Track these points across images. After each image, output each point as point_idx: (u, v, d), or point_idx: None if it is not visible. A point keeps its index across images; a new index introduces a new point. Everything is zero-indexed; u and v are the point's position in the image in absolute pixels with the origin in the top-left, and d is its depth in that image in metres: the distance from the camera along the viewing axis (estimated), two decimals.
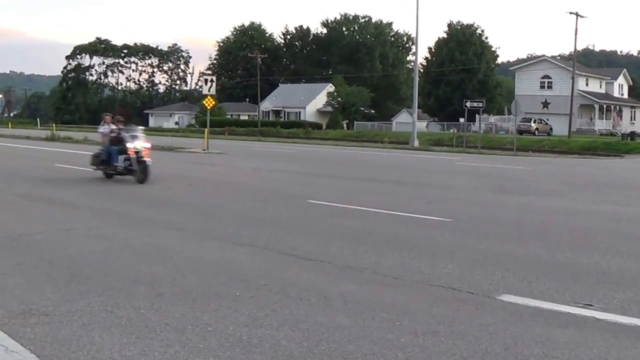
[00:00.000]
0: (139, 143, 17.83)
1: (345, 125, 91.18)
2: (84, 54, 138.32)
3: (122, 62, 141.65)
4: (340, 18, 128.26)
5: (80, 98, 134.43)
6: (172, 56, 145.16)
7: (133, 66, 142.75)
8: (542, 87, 78.62)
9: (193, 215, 12.38)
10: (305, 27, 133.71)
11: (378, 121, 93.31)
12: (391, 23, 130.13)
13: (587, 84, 78.66)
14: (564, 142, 51.65)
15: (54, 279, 7.14)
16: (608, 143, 50.23)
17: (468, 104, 50.83)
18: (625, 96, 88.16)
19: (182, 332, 5.44)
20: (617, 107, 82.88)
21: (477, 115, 59.52)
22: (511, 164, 30.63)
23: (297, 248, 9.05)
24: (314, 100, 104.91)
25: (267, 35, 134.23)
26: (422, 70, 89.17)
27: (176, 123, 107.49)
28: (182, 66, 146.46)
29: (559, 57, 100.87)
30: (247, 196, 15.89)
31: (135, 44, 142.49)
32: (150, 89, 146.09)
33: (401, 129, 79.20)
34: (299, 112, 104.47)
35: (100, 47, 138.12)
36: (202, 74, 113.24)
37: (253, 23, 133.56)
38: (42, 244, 9.23)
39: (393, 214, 12.70)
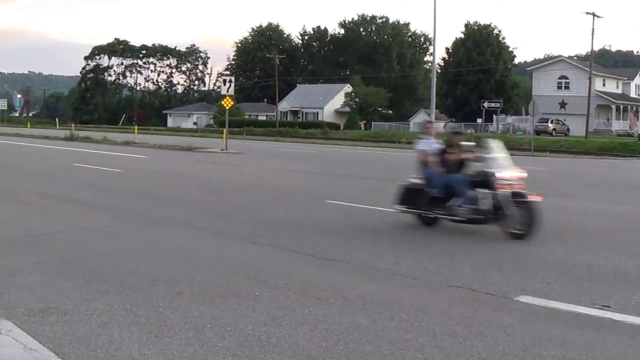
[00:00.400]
0: (509, 172, 10.86)
1: (362, 125, 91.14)
2: (102, 55, 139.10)
3: (140, 62, 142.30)
4: (358, 19, 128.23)
5: (99, 98, 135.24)
6: (191, 57, 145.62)
7: (151, 67, 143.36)
8: (559, 87, 78.29)
9: (212, 214, 12.42)
10: (322, 27, 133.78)
11: (395, 121, 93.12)
12: (408, 23, 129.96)
13: (604, 85, 78.25)
14: (581, 142, 51.36)
15: (73, 278, 7.17)
16: (625, 144, 49.87)
17: (485, 104, 50.69)
18: None
19: (200, 331, 5.45)
20: (634, 108, 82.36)
21: (494, 116, 59.38)
22: (529, 165, 30.31)
23: (315, 248, 9.05)
24: (332, 100, 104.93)
25: (285, 35, 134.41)
26: (439, 71, 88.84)
27: (194, 123, 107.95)
28: (200, 67, 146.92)
29: (575, 58, 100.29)
30: (265, 196, 15.91)
31: (153, 44, 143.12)
32: (169, 90, 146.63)
33: (419, 129, 78.89)
34: (317, 113, 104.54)
35: (119, 48, 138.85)
36: (220, 74, 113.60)
37: (271, 24, 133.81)
38: (62, 242, 9.29)
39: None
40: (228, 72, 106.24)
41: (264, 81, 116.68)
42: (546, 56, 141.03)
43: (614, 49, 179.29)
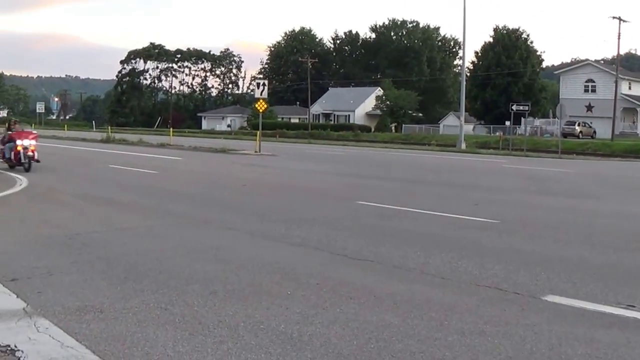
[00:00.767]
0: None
1: (393, 128, 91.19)
2: (138, 59, 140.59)
3: (175, 66, 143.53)
4: (389, 23, 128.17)
5: (135, 101, 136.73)
6: (225, 60, 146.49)
7: (186, 70, 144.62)
8: (586, 90, 78.14)
9: (246, 215, 12.50)
10: (354, 32, 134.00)
11: (425, 124, 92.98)
12: (438, 28, 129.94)
13: (630, 88, 77.81)
14: (607, 145, 50.99)
15: (109, 277, 7.26)
16: None
17: (514, 107, 50.62)
18: None
19: (234, 329, 5.50)
20: None
21: (522, 119, 59.18)
22: (556, 167, 30.28)
23: (347, 248, 9.08)
24: (363, 103, 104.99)
25: (317, 40, 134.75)
26: (469, 74, 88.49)
27: (228, 126, 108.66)
28: (234, 70, 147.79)
29: (602, 61, 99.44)
30: (298, 197, 15.99)
31: (188, 48, 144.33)
32: (203, 93, 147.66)
33: (448, 131, 78.72)
34: (348, 115, 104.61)
35: (154, 52, 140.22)
36: (253, 78, 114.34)
37: (303, 28, 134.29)
38: (98, 242, 9.40)
39: (441, 216, 12.67)
40: (261, 76, 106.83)
41: (297, 84, 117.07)
42: (573, 60, 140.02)
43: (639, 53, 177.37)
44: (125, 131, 73.78)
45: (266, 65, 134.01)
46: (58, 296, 6.42)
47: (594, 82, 77.60)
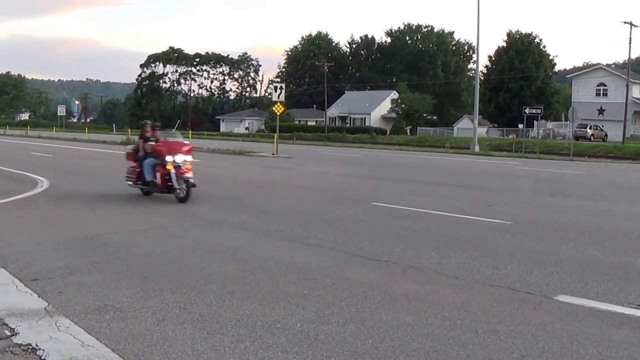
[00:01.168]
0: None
1: (408, 130, 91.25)
2: (157, 63, 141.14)
3: (194, 70, 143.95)
4: (404, 28, 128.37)
5: (154, 104, 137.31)
6: (243, 64, 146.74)
7: (205, 74, 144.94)
8: (597, 94, 78.31)
9: (263, 216, 12.58)
10: (370, 36, 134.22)
11: (440, 127, 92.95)
12: (453, 32, 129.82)
13: None
14: (618, 147, 50.88)
15: (129, 277, 7.35)
16: None
17: (527, 110, 50.83)
18: None
19: (251, 328, 5.57)
20: None
21: (535, 122, 59.19)
22: (568, 169, 30.16)
23: (362, 249, 9.15)
24: (379, 106, 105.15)
25: (334, 44, 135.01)
26: (482, 78, 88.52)
27: (246, 128, 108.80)
28: (252, 74, 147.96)
29: (613, 65, 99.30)
30: (314, 199, 16.05)
31: (206, 52, 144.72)
32: (222, 96, 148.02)
33: (462, 134, 78.64)
34: (364, 118, 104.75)
35: (173, 56, 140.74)
36: (271, 81, 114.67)
37: (320, 32, 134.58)
38: (118, 243, 9.50)
39: (455, 217, 12.71)
40: (279, 79, 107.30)
41: (313, 88, 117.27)
42: (585, 64, 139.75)
43: None
44: None
45: (283, 69, 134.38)
46: (78, 296, 6.51)
47: (605, 85, 77.78)
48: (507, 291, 6.96)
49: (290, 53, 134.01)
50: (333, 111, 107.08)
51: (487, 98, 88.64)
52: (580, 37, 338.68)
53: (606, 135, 68.40)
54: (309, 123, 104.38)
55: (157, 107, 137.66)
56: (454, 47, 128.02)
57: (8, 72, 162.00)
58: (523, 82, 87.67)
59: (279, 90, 38.37)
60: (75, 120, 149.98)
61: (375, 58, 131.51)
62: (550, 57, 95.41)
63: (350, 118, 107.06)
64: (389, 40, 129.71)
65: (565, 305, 6.45)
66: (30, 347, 5.05)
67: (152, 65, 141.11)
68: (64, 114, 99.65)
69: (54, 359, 4.86)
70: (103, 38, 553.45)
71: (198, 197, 15.69)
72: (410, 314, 6.04)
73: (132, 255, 8.63)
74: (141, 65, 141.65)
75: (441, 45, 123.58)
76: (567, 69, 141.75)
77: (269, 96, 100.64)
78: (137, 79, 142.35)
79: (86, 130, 73.58)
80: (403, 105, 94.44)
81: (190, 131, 61.90)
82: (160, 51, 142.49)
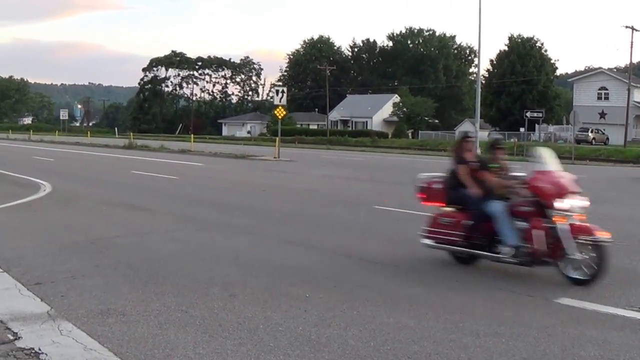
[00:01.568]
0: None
1: (410, 134, 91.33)
2: (159, 66, 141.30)
3: (196, 74, 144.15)
4: (406, 31, 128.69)
5: (157, 108, 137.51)
6: (245, 68, 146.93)
7: (207, 78, 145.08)
8: (599, 98, 78.63)
9: (265, 220, 12.60)
10: (371, 40, 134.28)
11: (442, 130, 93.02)
12: (454, 36, 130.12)
13: None
14: (619, 151, 51.00)
15: (131, 280, 7.37)
16: None
17: (528, 114, 51.02)
18: None
19: (253, 331, 5.59)
20: None
21: (536, 125, 59.49)
22: (570, 172, 30.10)
23: (364, 252, 9.18)
24: (380, 110, 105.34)
25: (335, 48, 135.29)
26: (484, 82, 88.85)
27: (248, 132, 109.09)
28: (254, 78, 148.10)
29: (615, 70, 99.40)
30: (316, 202, 16.06)
31: (208, 56, 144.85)
32: (224, 100, 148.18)
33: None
34: (366, 122, 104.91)
35: (176, 60, 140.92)
36: (273, 85, 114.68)
37: (322, 36, 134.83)
38: (120, 247, 9.53)
39: None
40: (280, 83, 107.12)
41: (315, 91, 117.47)
42: (587, 68, 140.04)
43: None
44: (147, 137, 74.21)
45: (285, 73, 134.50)
46: (81, 299, 6.53)
47: (606, 89, 78.19)
48: (509, 294, 6.98)
49: (292, 57, 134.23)
50: (335, 115, 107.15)
51: (489, 102, 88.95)
52: (581, 41, 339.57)
53: (608, 138, 68.67)
54: (310, 127, 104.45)
55: (160, 110, 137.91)
56: (455, 51, 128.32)
57: (11, 76, 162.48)
58: (524, 85, 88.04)
59: (280, 94, 38.41)
60: (77, 124, 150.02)
61: (377, 62, 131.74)
62: (552, 61, 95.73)
63: (352, 122, 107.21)
64: (390, 44, 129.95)
65: (567, 308, 6.48)
66: (33, 351, 5.06)
67: (155, 69, 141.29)
68: (67, 117, 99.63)
69: None
70: (106, 42, 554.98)
71: (197, 201, 15.74)
72: (411, 316, 6.06)
73: (133, 259, 8.63)
74: (143, 69, 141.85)
75: (443, 49, 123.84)
76: (569, 72, 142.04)
77: (271, 100, 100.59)
78: (139, 83, 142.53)
79: (88, 134, 73.60)
80: (405, 109, 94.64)
81: (192, 135, 61.88)
82: (162, 55, 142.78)
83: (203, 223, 12.16)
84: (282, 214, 13.55)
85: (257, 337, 5.45)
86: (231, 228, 11.57)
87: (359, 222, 12.45)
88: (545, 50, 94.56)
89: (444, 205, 8.88)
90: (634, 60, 69.33)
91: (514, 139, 61.17)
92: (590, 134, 66.72)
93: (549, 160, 8.66)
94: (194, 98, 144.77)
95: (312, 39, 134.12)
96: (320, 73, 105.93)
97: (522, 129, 59.79)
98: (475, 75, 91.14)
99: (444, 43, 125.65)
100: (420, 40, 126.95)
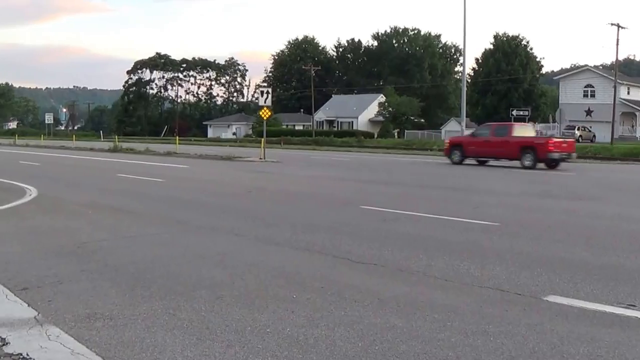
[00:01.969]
0: None
1: (396, 134, 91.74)
2: (144, 69, 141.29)
3: (181, 76, 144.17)
4: (391, 31, 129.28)
5: (142, 111, 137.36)
6: (229, 69, 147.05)
7: (192, 80, 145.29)
8: (585, 95, 79.35)
9: (252, 221, 12.58)
10: (356, 40, 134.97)
11: (427, 130, 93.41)
12: (439, 35, 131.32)
13: (628, 93, 79.05)
14: (606, 148, 51.31)
15: (118, 284, 7.35)
16: None
17: (514, 112, 51.40)
18: None
19: (241, 333, 5.59)
20: None
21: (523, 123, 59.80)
22: (556, 170, 30.29)
23: (351, 252, 9.18)
24: (366, 110, 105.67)
25: (320, 48, 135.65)
26: (469, 81, 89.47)
27: (234, 133, 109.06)
28: (238, 79, 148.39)
29: (601, 67, 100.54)
30: (303, 203, 16.08)
31: (193, 58, 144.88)
32: (209, 101, 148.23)
33: (450, 137, 79.11)
34: (352, 122, 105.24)
35: (160, 62, 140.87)
36: (258, 86, 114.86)
37: (306, 36, 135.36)
38: (107, 250, 9.48)
39: (442, 219, 12.77)
40: (266, 84, 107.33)
41: (300, 92, 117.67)
42: (572, 66, 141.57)
43: (638, 58, 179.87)
44: (133, 140, 74.11)
45: (270, 74, 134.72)
46: (68, 304, 6.51)
47: (593, 87, 78.88)
48: (496, 292, 7.00)
49: (277, 57, 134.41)
50: (320, 115, 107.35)
51: (475, 100, 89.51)
52: (567, 39, 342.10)
53: (594, 136, 69.28)
54: (296, 127, 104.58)
55: (144, 113, 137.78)
56: (440, 50, 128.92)
57: None
58: (510, 84, 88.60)
59: (265, 95, 38.40)
60: (63, 128, 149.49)
61: (362, 62, 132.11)
62: (538, 59, 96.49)
63: (338, 122, 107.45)
64: (375, 43, 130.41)
65: (555, 305, 6.50)
66: (21, 356, 5.06)
67: (139, 71, 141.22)
68: (52, 122, 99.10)
69: None
70: (90, 45, 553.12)
71: (183, 203, 15.73)
72: (399, 316, 6.08)
73: (120, 262, 8.61)
74: (128, 72, 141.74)
75: (428, 48, 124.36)
76: (555, 70, 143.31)
77: (256, 101, 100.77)
78: (124, 86, 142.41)
79: (74, 138, 73.26)
80: (390, 109, 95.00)
81: (177, 137, 61.77)
82: (147, 57, 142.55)
83: (189, 225, 12.13)
84: (269, 215, 13.55)
85: (245, 339, 5.45)
86: (217, 230, 11.56)
87: (346, 223, 12.45)
88: (531, 49, 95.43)
89: None
90: (620, 57, 69.79)
91: None
92: (576, 132, 67.30)
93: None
94: (179, 100, 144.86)
95: (297, 39, 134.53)
96: (306, 73, 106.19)
97: None
98: (460, 74, 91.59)
99: (429, 42, 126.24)
100: (406, 40, 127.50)
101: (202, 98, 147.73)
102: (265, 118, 38.92)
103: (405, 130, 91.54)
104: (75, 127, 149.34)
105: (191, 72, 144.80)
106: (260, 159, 36.37)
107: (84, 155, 44.14)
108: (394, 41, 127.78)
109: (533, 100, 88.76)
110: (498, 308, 6.39)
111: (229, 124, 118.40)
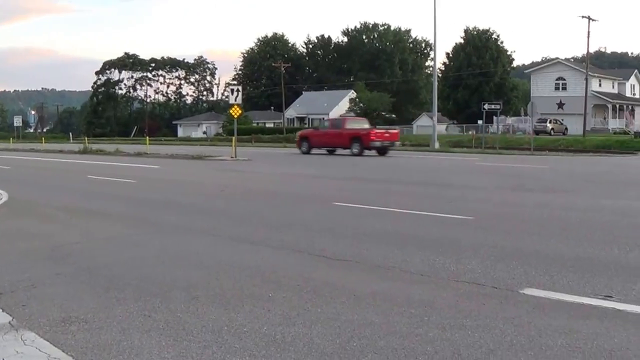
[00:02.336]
0: None
1: None
2: (113, 69, 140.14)
3: (150, 75, 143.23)
4: (360, 26, 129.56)
5: (111, 111, 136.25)
6: (199, 68, 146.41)
7: (161, 79, 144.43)
8: (556, 88, 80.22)
9: (225, 220, 12.57)
10: (326, 36, 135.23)
11: (399, 125, 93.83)
12: (409, 30, 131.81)
13: (600, 85, 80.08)
14: (579, 141, 52.02)
15: (92, 287, 7.29)
16: (621, 141, 50.60)
17: (486, 106, 51.71)
18: (637, 96, 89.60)
19: (218, 333, 5.57)
20: (630, 107, 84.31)
21: (494, 117, 60.32)
22: (529, 163, 30.66)
23: (326, 249, 9.18)
24: (337, 106, 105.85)
25: (290, 45, 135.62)
26: (440, 75, 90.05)
27: (204, 132, 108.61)
28: (208, 77, 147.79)
29: (572, 60, 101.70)
30: (276, 201, 16.07)
31: (162, 57, 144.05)
32: (178, 101, 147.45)
33: (422, 132, 79.60)
34: (323, 119, 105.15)
35: (129, 62, 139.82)
36: (228, 84, 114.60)
37: (276, 34, 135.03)
38: (80, 253, 9.41)
39: (417, 214, 12.83)
40: (235, 82, 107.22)
41: (271, 89, 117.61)
42: (544, 59, 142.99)
43: (609, 51, 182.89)
44: (102, 141, 73.38)
45: (240, 72, 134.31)
46: (43, 308, 6.44)
47: (564, 80, 79.69)
48: (473, 286, 7.04)
49: (246, 55, 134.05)
50: (291, 112, 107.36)
51: (446, 95, 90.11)
52: (538, 33, 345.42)
53: (566, 129, 69.88)
54: (267, 125, 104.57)
55: (114, 114, 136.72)
56: (411, 45, 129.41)
57: None
58: (481, 78, 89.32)
59: (235, 93, 38.25)
60: (32, 130, 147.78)
61: (332, 58, 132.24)
62: (508, 53, 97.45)
63: (309, 119, 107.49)
64: (345, 39, 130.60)
65: (532, 298, 6.54)
66: None
67: (108, 72, 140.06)
68: (21, 124, 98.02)
69: None
70: (57, 46, 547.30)
71: (156, 204, 15.65)
72: (376, 312, 6.09)
73: (94, 265, 8.54)
74: (96, 73, 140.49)
75: (398, 43, 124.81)
76: (526, 64, 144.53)
77: (226, 99, 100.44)
78: (92, 87, 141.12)
79: (43, 141, 72.47)
80: (361, 105, 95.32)
81: (147, 137, 61.32)
82: (115, 57, 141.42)
83: (162, 226, 12.07)
84: (242, 214, 13.53)
85: (222, 339, 5.44)
86: (191, 230, 11.51)
87: (320, 220, 12.49)
88: (502, 42, 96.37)
89: None
90: (591, 50, 70.86)
91: (472, 132, 62.03)
92: (548, 125, 67.92)
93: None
94: (148, 100, 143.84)
95: (267, 36, 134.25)
96: (276, 71, 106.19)
97: (480, 122, 60.57)
98: (431, 68, 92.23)
99: (400, 37, 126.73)
100: (376, 35, 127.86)
101: (172, 97, 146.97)
102: (235, 116, 38.79)
103: (377, 126, 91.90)
104: (45, 130, 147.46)
105: (160, 72, 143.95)
106: (232, 157, 36.24)
107: (54, 157, 43.63)
108: (364, 37, 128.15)
109: (504, 94, 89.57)
110: (475, 302, 6.42)
111: (199, 123, 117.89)
